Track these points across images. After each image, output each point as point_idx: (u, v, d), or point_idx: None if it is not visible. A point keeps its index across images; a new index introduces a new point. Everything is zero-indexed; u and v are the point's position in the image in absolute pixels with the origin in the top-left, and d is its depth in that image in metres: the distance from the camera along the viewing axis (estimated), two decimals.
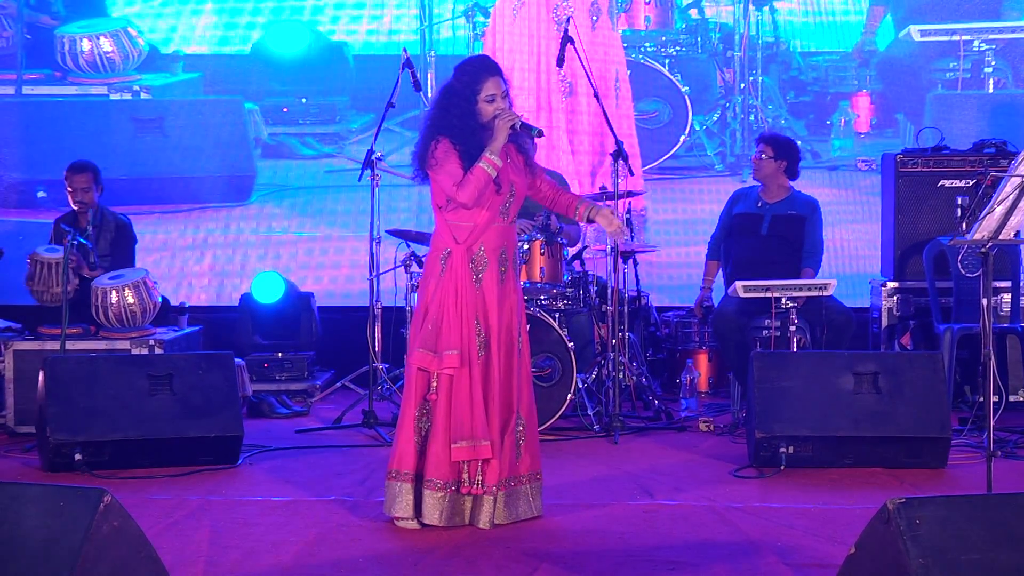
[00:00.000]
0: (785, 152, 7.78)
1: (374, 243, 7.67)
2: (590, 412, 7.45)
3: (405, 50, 7.60)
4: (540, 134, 5.49)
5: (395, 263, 7.85)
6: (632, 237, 8.34)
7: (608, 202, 7.54)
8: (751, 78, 10.23)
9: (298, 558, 4.98)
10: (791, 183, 7.84)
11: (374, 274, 7.72)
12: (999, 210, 5.31)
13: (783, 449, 6.31)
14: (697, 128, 10.19)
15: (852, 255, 8.84)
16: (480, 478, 5.32)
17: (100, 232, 7.91)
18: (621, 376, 7.47)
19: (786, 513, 5.60)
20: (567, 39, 7.39)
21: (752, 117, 10.18)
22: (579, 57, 7.35)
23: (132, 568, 3.85)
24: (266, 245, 9.78)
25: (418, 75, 7.62)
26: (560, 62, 7.50)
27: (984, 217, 5.36)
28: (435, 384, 5.32)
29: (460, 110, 5.34)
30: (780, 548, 5.06)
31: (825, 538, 5.19)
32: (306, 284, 9.14)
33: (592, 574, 4.80)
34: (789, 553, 4.99)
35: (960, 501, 3.84)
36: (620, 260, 7.60)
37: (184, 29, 10.47)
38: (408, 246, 7.83)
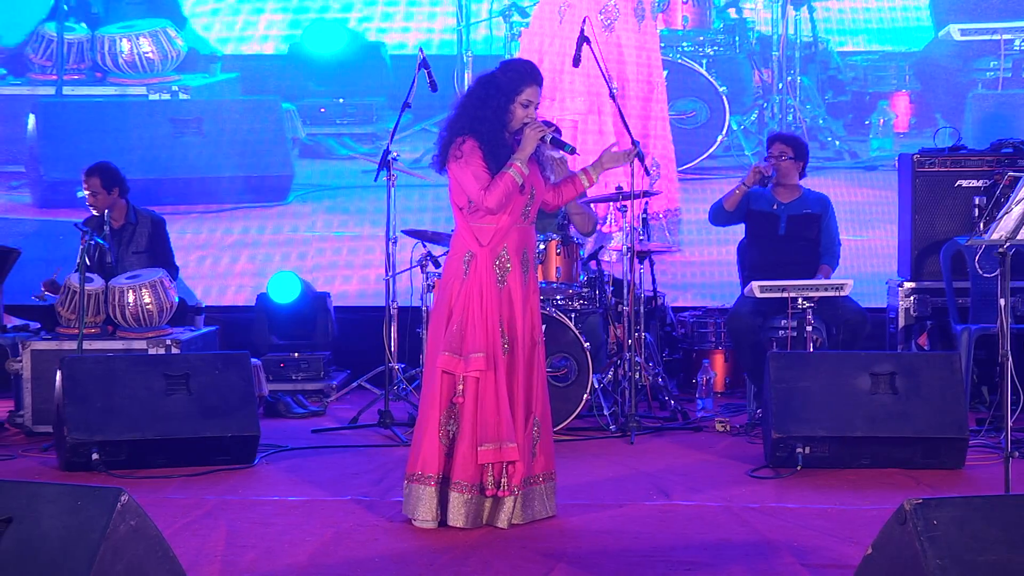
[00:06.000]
0: (803, 152, 7.79)
1: (390, 243, 7.68)
2: (606, 412, 7.45)
3: (421, 50, 7.60)
4: (573, 151, 5.48)
5: (411, 263, 7.86)
6: (648, 237, 8.34)
7: (624, 202, 7.55)
8: (789, 78, 10.20)
9: (314, 557, 4.99)
10: (799, 182, 7.83)
11: (390, 274, 7.73)
12: (1017, 210, 5.29)
13: (800, 449, 6.30)
14: (735, 128, 10.17)
15: (893, 255, 8.75)
16: (505, 480, 5.31)
17: (136, 229, 8.03)
18: (637, 376, 7.47)
19: (803, 514, 5.59)
20: (583, 39, 7.38)
21: (790, 117, 10.15)
22: (596, 59, 7.33)
23: (149, 567, 3.86)
24: (306, 244, 9.82)
25: (434, 75, 7.62)
26: (576, 62, 7.49)
27: (1002, 217, 5.34)
28: (461, 387, 5.30)
29: (496, 104, 5.31)
30: (797, 548, 5.05)
31: (842, 539, 5.18)
32: (351, 284, 9.16)
33: (608, 574, 4.80)
34: (806, 554, 4.98)
35: (977, 502, 3.83)
36: (636, 260, 7.59)
37: (222, 29, 10.50)
38: (424, 246, 7.84)
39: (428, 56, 7.54)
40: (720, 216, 7.85)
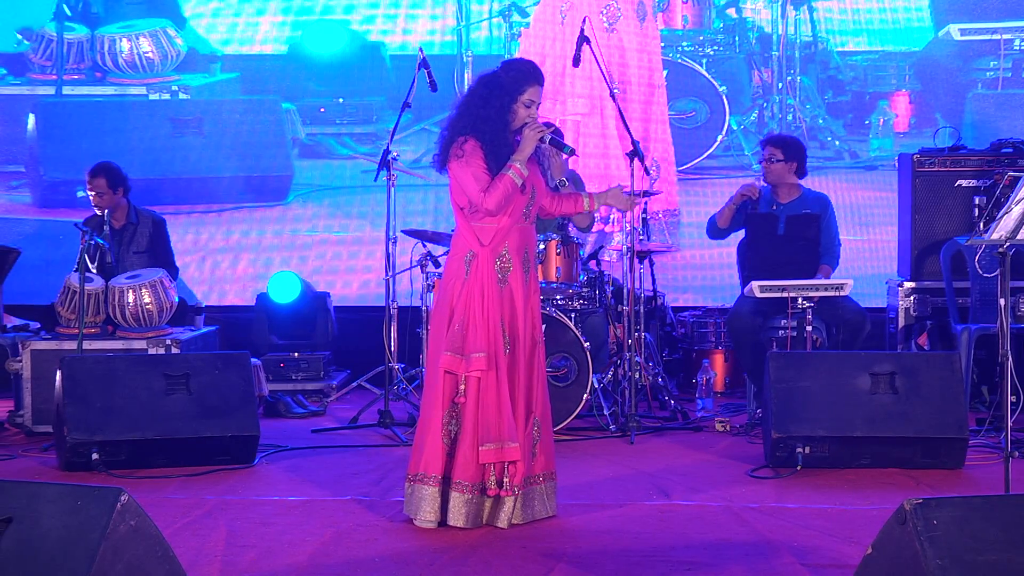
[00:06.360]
0: (794, 153, 7.76)
1: (390, 243, 7.68)
2: (606, 412, 7.45)
3: (421, 50, 7.61)
4: (572, 152, 5.50)
5: (411, 263, 7.86)
6: (648, 237, 8.34)
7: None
8: (789, 78, 10.20)
9: (314, 557, 4.99)
10: (799, 181, 7.83)
11: (390, 274, 7.73)
12: (1017, 210, 5.29)
13: (800, 449, 6.30)
14: (735, 128, 10.17)
15: (893, 255, 8.75)
16: (506, 479, 5.31)
17: (137, 229, 8.05)
18: (637, 376, 7.47)
19: (802, 513, 5.59)
20: (583, 39, 7.37)
21: (790, 117, 10.15)
22: (596, 59, 7.32)
23: (149, 567, 3.86)
24: (307, 248, 9.81)
25: (434, 75, 7.62)
26: (576, 62, 7.48)
27: (1002, 217, 5.34)
28: (463, 387, 5.31)
29: (499, 103, 5.31)
30: (796, 548, 5.05)
31: (842, 538, 5.18)
32: (351, 288, 9.15)
33: (608, 574, 4.80)
34: (805, 553, 4.98)
35: (977, 502, 3.83)
36: (636, 260, 7.59)
37: (222, 29, 10.50)
38: (424, 246, 7.84)
39: (428, 56, 7.54)
40: (716, 232, 7.89)
